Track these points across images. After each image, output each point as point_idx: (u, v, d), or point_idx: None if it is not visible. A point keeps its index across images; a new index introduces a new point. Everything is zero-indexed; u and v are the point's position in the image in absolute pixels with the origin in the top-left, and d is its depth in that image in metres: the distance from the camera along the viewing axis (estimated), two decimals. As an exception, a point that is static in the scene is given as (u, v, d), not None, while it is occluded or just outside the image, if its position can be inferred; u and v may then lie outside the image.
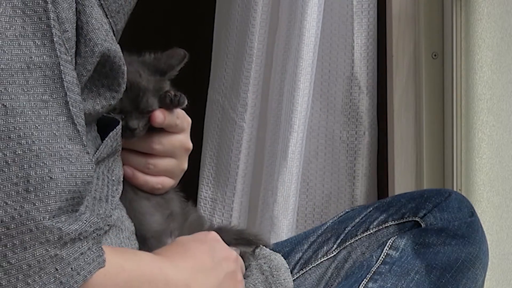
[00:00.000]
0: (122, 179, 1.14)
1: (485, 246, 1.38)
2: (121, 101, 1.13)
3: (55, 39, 0.95)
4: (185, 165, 1.26)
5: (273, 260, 1.30)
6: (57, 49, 0.95)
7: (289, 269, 1.33)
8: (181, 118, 1.23)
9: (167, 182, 1.23)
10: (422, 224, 1.39)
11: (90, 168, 0.96)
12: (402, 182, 1.92)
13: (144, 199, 1.21)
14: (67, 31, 0.99)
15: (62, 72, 0.95)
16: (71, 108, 0.96)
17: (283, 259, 1.32)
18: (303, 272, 1.42)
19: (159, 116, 1.18)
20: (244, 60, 1.94)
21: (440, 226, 1.37)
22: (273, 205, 1.87)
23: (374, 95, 1.96)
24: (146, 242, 1.17)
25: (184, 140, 1.24)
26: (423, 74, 1.90)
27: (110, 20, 1.10)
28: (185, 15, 2.87)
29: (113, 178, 1.11)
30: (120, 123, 1.12)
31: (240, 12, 1.96)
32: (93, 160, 0.98)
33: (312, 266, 1.42)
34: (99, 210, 1.07)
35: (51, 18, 0.96)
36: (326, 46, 1.95)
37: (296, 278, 1.41)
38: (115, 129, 1.11)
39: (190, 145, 1.25)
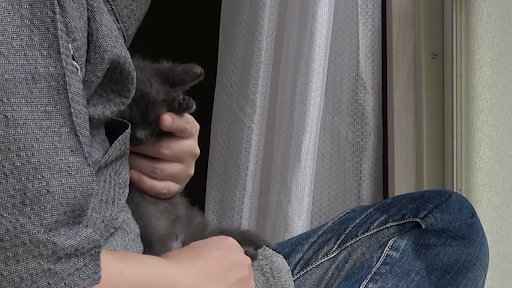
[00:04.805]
0: (128, 182, 1.14)
1: (485, 247, 1.38)
2: (130, 112, 1.13)
3: (61, 50, 0.95)
4: (191, 171, 1.26)
5: (274, 262, 1.29)
6: (63, 60, 0.95)
7: (290, 271, 1.33)
8: (190, 123, 1.23)
9: (173, 187, 1.23)
10: (422, 225, 1.39)
11: (90, 180, 0.95)
12: (402, 182, 1.92)
13: (151, 204, 1.21)
14: (77, 40, 0.99)
15: (67, 83, 0.95)
16: (74, 119, 0.95)
17: (285, 261, 1.32)
18: (303, 272, 1.42)
19: (168, 119, 1.18)
20: (252, 61, 1.93)
21: (440, 227, 1.37)
22: (287, 206, 1.86)
23: (379, 95, 1.95)
24: (151, 246, 1.17)
25: (192, 145, 1.24)
26: (423, 74, 1.90)
27: (121, 26, 1.10)
28: (192, 15, 2.86)
29: (120, 181, 1.11)
30: (129, 126, 1.12)
31: (247, 12, 1.95)
32: (94, 172, 0.96)
33: (313, 267, 1.42)
34: (105, 212, 1.07)
35: (59, 28, 0.95)
36: (332, 46, 1.94)
37: (297, 278, 1.41)
38: (124, 133, 1.11)
39: (198, 150, 1.25)
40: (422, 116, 1.90)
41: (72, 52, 0.98)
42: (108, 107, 1.06)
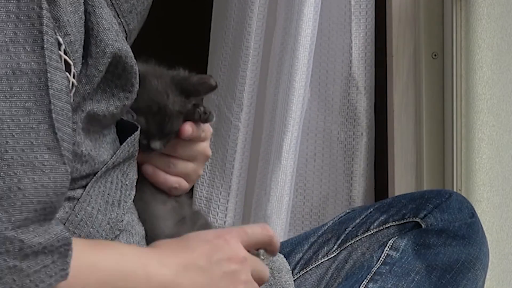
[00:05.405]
0: (135, 184, 1.14)
1: (485, 247, 1.38)
2: (147, 124, 1.15)
3: (45, 46, 0.94)
4: (201, 171, 1.27)
5: (275, 262, 1.30)
6: (46, 56, 0.94)
7: (290, 271, 1.33)
8: (206, 130, 1.24)
9: (183, 183, 1.24)
10: (422, 224, 1.39)
11: (65, 179, 0.95)
12: (402, 182, 1.92)
13: (160, 203, 1.21)
14: (70, 34, 0.98)
15: (49, 79, 0.94)
16: (54, 116, 0.94)
17: (285, 261, 1.32)
18: (303, 272, 1.42)
19: (189, 130, 1.20)
20: (240, 60, 1.94)
21: (440, 227, 1.37)
22: (266, 205, 1.87)
23: (372, 96, 1.96)
24: None
25: (206, 147, 1.25)
26: (423, 74, 1.90)
27: (122, 20, 1.10)
28: (182, 14, 2.87)
29: (127, 182, 1.11)
30: (139, 128, 1.12)
31: (236, 12, 1.96)
32: (69, 170, 0.95)
33: (313, 267, 1.42)
34: (110, 214, 1.07)
35: (44, 24, 0.94)
36: (324, 46, 1.95)
37: (297, 278, 1.41)
38: (133, 135, 1.11)
39: (210, 152, 1.27)
40: (422, 116, 1.91)
41: (64, 47, 0.98)
42: (112, 102, 1.06)
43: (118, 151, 1.09)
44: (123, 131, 1.12)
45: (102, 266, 1.00)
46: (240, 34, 1.94)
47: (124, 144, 1.10)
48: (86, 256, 0.98)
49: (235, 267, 1.11)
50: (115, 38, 1.03)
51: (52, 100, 0.94)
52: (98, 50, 1.02)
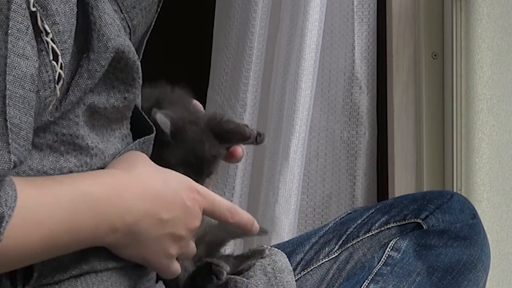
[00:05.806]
0: None
1: (487, 248, 1.38)
2: (187, 173, 1.15)
3: (9, 32, 0.93)
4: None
5: (277, 262, 1.29)
6: (9, 42, 0.93)
7: (292, 271, 1.32)
8: None
9: None
10: (424, 225, 1.39)
11: (5, 168, 0.93)
12: (402, 182, 1.92)
13: None
14: (57, 23, 0.97)
15: (8, 65, 0.93)
16: (7, 102, 0.93)
17: (287, 261, 1.32)
18: (304, 273, 1.42)
19: (241, 153, 1.25)
20: (243, 60, 1.94)
21: (442, 227, 1.37)
22: (274, 205, 1.87)
23: (374, 95, 1.96)
24: None
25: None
26: (423, 74, 1.90)
27: (125, 15, 1.09)
28: (185, 14, 2.87)
29: None
30: (153, 133, 1.12)
31: (240, 12, 1.96)
32: (12, 159, 0.94)
33: (314, 267, 1.41)
34: None
35: (12, 9, 0.93)
36: (327, 46, 1.95)
37: (298, 279, 1.41)
38: (142, 138, 1.11)
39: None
40: (422, 116, 1.91)
41: (51, 36, 0.97)
42: (112, 94, 1.05)
43: (123, 151, 1.08)
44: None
45: (63, 197, 0.98)
46: (244, 34, 1.94)
47: (131, 145, 1.09)
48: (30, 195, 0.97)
49: (183, 233, 1.10)
50: (117, 33, 1.03)
51: (8, 86, 0.93)
52: (100, 44, 1.01)
